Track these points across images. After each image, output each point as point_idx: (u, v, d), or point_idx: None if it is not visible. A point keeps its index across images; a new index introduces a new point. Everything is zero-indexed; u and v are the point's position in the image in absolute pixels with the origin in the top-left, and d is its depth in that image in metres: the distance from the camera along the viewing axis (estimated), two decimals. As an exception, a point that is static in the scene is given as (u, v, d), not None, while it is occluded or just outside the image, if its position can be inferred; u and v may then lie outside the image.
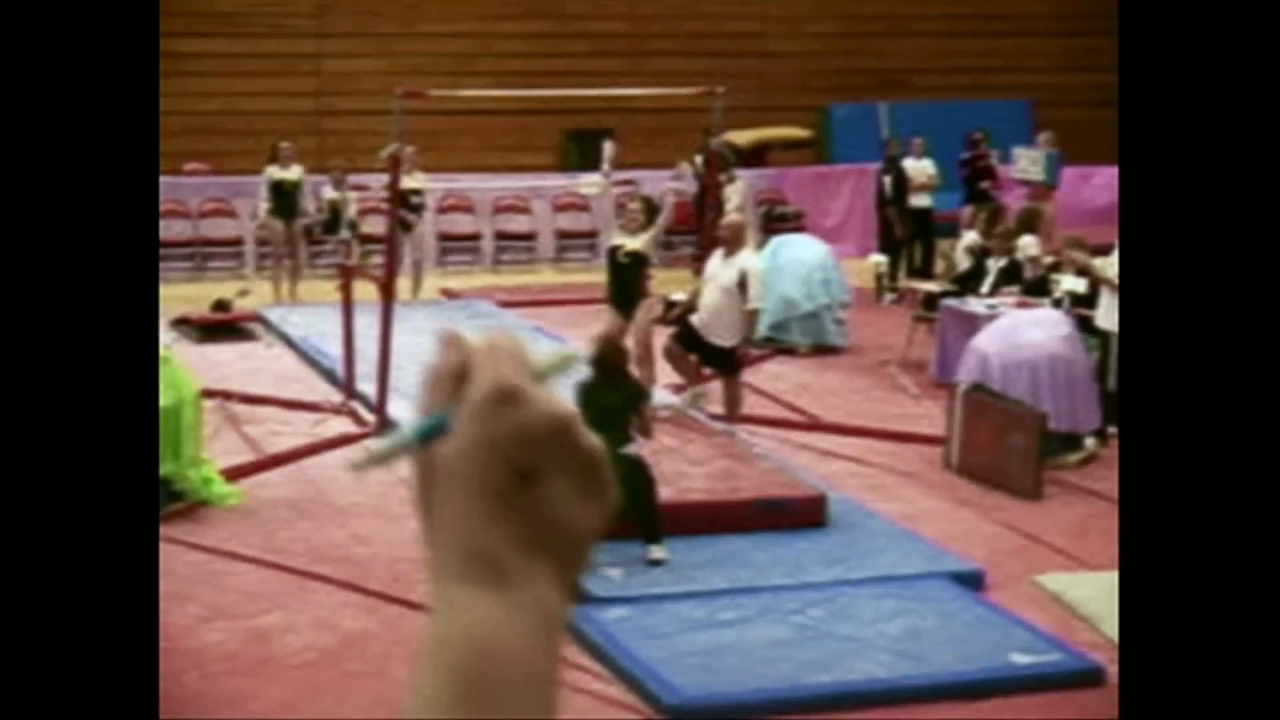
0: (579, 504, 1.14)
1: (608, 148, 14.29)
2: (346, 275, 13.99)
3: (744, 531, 10.56)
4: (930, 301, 15.79)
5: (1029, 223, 16.00)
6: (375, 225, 17.86)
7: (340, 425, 13.36)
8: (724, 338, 12.52)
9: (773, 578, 9.91)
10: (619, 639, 8.80)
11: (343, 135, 22.41)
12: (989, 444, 11.93)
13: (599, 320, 13.38)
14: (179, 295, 18.04)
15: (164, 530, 10.11)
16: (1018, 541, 10.78)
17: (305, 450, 12.52)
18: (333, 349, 14.68)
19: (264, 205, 18.82)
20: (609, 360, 10.19)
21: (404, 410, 13.01)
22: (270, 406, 13.94)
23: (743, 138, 21.80)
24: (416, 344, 15.11)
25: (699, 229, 16.31)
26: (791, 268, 16.54)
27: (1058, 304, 13.47)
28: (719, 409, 12.95)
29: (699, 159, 17.43)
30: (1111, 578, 8.55)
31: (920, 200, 19.78)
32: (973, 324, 13.81)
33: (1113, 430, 12.10)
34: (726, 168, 18.06)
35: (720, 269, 12.61)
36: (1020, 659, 8.74)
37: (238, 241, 20.94)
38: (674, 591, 9.57)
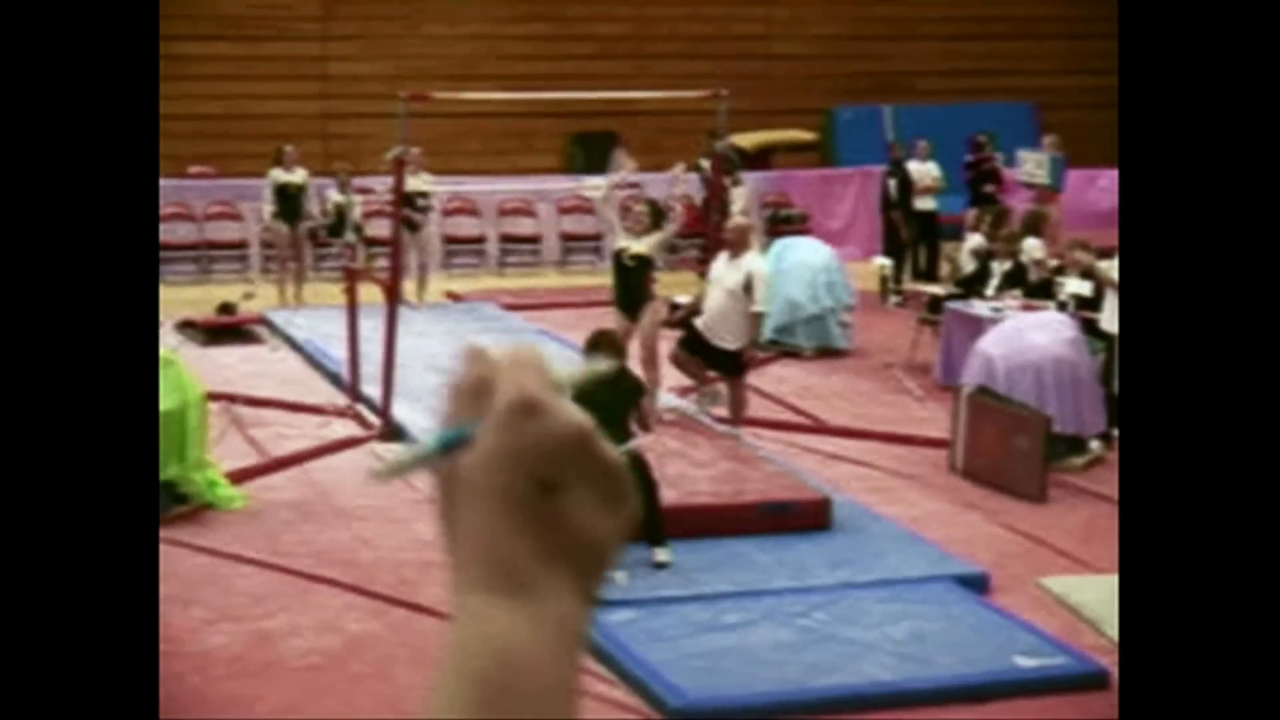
0: (599, 516, 1.15)
1: (620, 160, 14.27)
2: (351, 278, 14.00)
3: (748, 534, 10.56)
4: (935, 304, 15.79)
5: (1034, 226, 16.00)
6: (380, 228, 17.86)
7: (345, 428, 13.37)
8: (728, 340, 12.52)
9: (777, 581, 9.91)
10: (624, 642, 8.80)
11: (348, 138, 22.44)
12: (994, 447, 11.93)
13: (604, 323, 13.38)
14: (184, 298, 18.06)
15: (169, 533, 10.12)
16: (1023, 544, 10.77)
17: (310, 453, 12.53)
18: (338, 352, 14.70)
19: (268, 208, 18.84)
20: (604, 354, 10.11)
21: (409, 413, 13.04)
22: (275, 409, 13.94)
23: (747, 140, 21.80)
24: (421, 347, 15.16)
25: (704, 232, 16.32)
26: (796, 270, 16.55)
27: (1062, 307, 13.47)
28: (724, 412, 12.96)
29: (704, 162, 17.43)
30: (1116, 581, 8.54)
31: (925, 203, 19.79)
32: (977, 327, 13.82)
33: (1117, 433, 12.09)
34: (732, 171, 18.06)
35: (725, 271, 12.62)
36: (1025, 662, 8.74)
37: (243, 244, 20.95)
38: (678, 594, 9.57)
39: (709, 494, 11.21)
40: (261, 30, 23.16)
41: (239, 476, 11.76)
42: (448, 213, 21.34)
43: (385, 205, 17.06)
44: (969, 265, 16.15)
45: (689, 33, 24.21)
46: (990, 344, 12.68)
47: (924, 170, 19.91)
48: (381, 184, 17.50)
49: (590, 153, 23.29)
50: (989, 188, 20.09)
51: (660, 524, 9.90)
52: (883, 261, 19.16)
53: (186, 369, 11.67)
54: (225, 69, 22.73)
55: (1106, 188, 21.96)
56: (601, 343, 10.09)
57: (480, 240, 21.78)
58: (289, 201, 18.72)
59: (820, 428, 13.59)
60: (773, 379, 15.12)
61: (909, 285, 18.58)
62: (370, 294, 13.93)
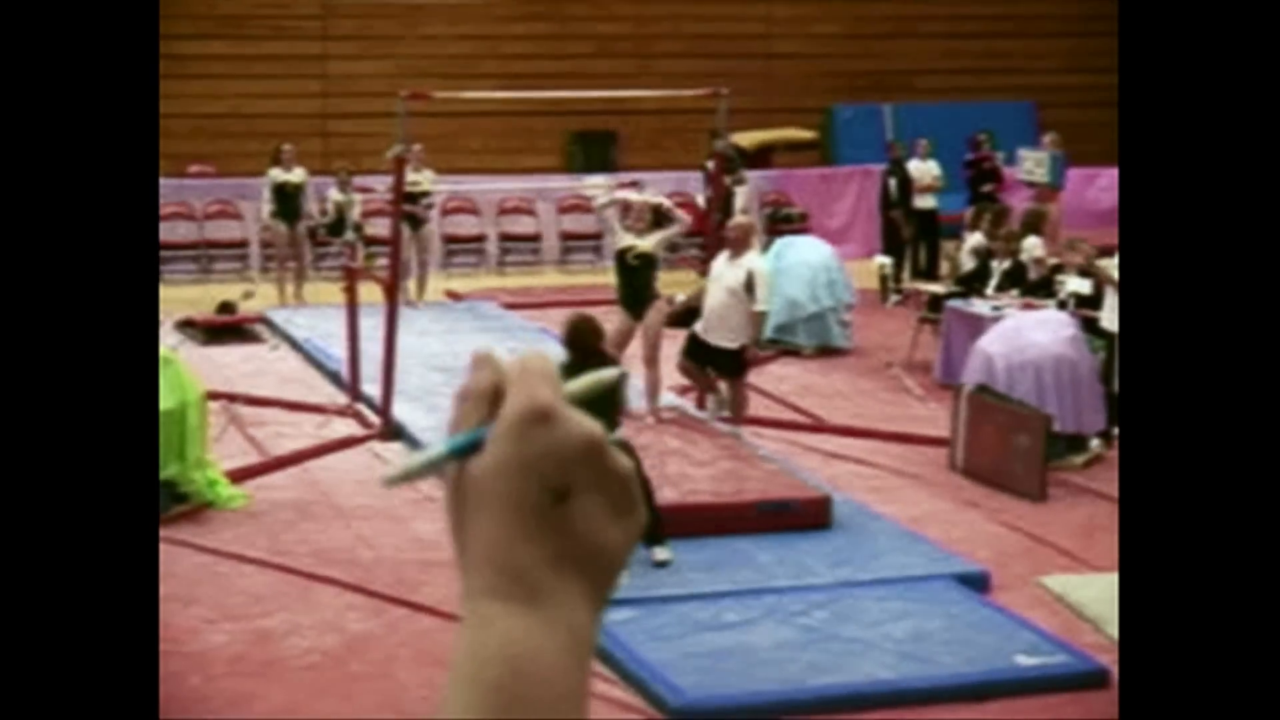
0: (609, 523, 1.15)
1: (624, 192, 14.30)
2: (351, 277, 14.00)
3: (749, 533, 10.56)
4: (935, 303, 15.79)
5: (1033, 224, 16.00)
6: (380, 227, 17.87)
7: (345, 427, 13.37)
8: (728, 339, 12.51)
9: (777, 579, 9.91)
10: (624, 641, 8.80)
11: (347, 137, 22.45)
12: (994, 445, 11.93)
13: (607, 322, 13.37)
14: (184, 297, 18.07)
15: (169, 532, 10.13)
16: (1023, 543, 10.77)
17: (310, 452, 12.53)
18: (338, 351, 14.70)
19: (267, 208, 18.85)
20: (584, 340, 9.91)
21: (409, 412, 13.04)
22: (275, 408, 13.95)
23: (747, 139, 21.81)
24: (421, 346, 15.18)
25: (705, 231, 16.32)
26: (796, 269, 16.55)
27: (1063, 305, 13.47)
28: (724, 410, 12.95)
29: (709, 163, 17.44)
30: (1116, 579, 8.55)
31: (925, 202, 19.80)
32: (977, 325, 13.82)
33: (1118, 431, 12.10)
34: (734, 169, 18.06)
35: (726, 270, 12.61)
36: (1025, 660, 8.73)
37: (242, 244, 20.97)
38: (678, 593, 9.57)
39: (709, 493, 11.20)
40: (261, 30, 23.17)
41: (239, 476, 11.76)
42: (447, 211, 21.36)
43: (385, 204, 17.08)
44: (969, 264, 16.15)
45: (689, 32, 24.21)
46: (990, 342, 12.69)
47: (924, 169, 19.92)
48: (381, 183, 17.51)
49: (590, 152, 23.30)
50: (989, 186, 20.10)
51: (659, 522, 9.89)
52: (883, 260, 19.16)
53: (186, 368, 11.67)
54: (224, 68, 22.74)
55: (1106, 186, 21.98)
56: (580, 335, 9.94)
57: (480, 239, 21.79)
58: (287, 201, 18.72)
59: (820, 426, 13.60)
60: (773, 378, 15.12)
61: (909, 284, 18.58)
62: (370, 293, 13.93)
